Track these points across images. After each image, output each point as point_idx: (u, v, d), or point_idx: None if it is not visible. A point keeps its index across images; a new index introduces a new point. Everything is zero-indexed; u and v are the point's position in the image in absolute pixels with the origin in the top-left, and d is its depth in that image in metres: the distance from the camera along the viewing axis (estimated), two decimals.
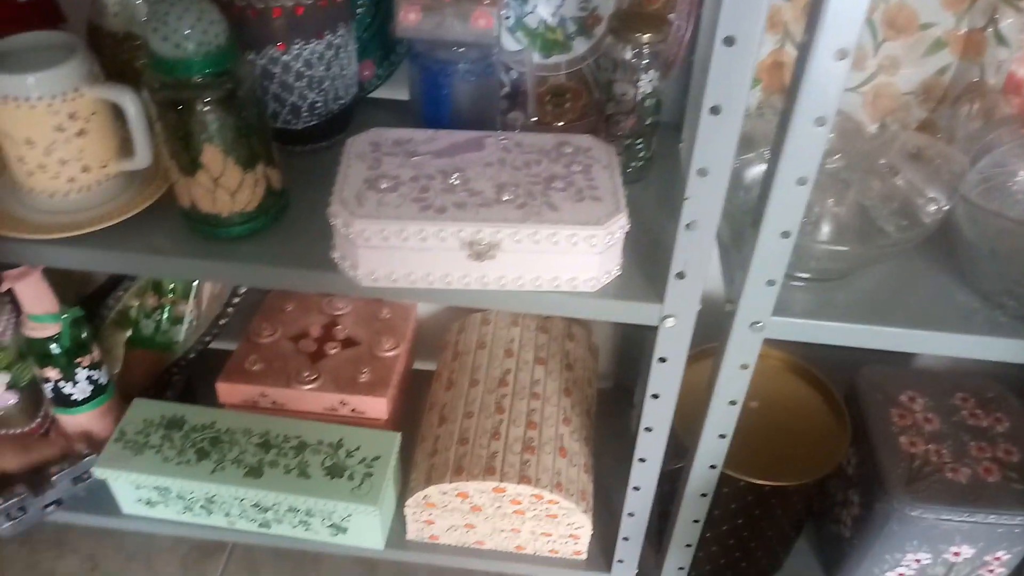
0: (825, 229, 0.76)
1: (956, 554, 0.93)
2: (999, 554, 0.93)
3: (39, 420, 1.07)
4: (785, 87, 0.88)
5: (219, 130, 0.71)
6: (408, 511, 1.01)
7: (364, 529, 1.01)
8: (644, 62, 0.80)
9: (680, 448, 0.90)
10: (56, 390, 0.99)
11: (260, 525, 1.04)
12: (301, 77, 0.82)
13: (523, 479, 0.94)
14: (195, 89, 0.69)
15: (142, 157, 0.79)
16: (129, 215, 0.79)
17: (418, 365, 1.25)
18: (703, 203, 0.66)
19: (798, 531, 1.05)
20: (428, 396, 1.12)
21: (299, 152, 0.90)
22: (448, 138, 0.80)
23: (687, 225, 0.68)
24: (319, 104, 0.85)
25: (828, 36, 0.56)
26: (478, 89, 0.84)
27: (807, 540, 1.09)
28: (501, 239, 0.71)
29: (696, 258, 0.70)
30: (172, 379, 1.15)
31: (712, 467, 0.89)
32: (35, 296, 0.92)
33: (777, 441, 0.96)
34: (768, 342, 0.76)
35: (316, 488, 0.97)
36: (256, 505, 1.00)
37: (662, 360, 0.79)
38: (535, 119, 0.91)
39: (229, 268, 0.78)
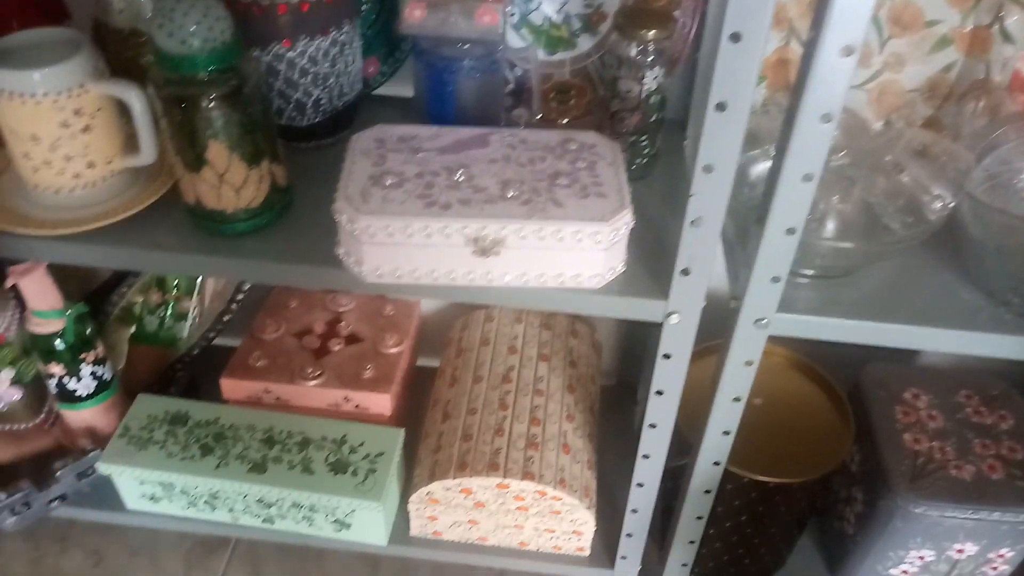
0: (830, 226, 0.76)
1: (960, 551, 0.93)
2: (1002, 551, 0.93)
3: (43, 416, 1.07)
4: (790, 84, 0.88)
5: (224, 126, 0.71)
6: (412, 507, 1.01)
7: (368, 525, 1.01)
8: (649, 59, 0.80)
9: (684, 445, 0.90)
10: (60, 386, 0.99)
11: (264, 521, 1.04)
12: (306, 74, 0.82)
13: (527, 475, 0.94)
14: (200, 85, 0.69)
15: (147, 153, 0.79)
16: (134, 211, 0.79)
17: (421, 362, 1.26)
18: (708, 199, 0.66)
19: (801, 528, 1.05)
20: (431, 392, 1.12)
21: (304, 149, 0.90)
22: (453, 135, 0.80)
23: (692, 221, 0.68)
24: (324, 101, 0.85)
25: (834, 32, 0.56)
26: (483, 86, 0.84)
27: (810, 537, 1.09)
28: (506, 235, 0.71)
29: (701, 255, 0.70)
30: (176, 375, 1.16)
31: (716, 464, 0.89)
32: (40, 292, 0.92)
33: (781, 438, 0.96)
34: (772, 339, 0.76)
35: (320, 484, 0.97)
36: (260, 501, 1.01)
37: (666, 357, 0.79)
38: (539, 116, 0.91)
39: (234, 264, 0.78)
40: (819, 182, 0.64)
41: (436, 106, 0.85)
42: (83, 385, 1.00)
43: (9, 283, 0.90)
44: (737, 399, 0.82)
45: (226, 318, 1.16)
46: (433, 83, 0.84)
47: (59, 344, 0.95)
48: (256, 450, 1.00)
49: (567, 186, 0.74)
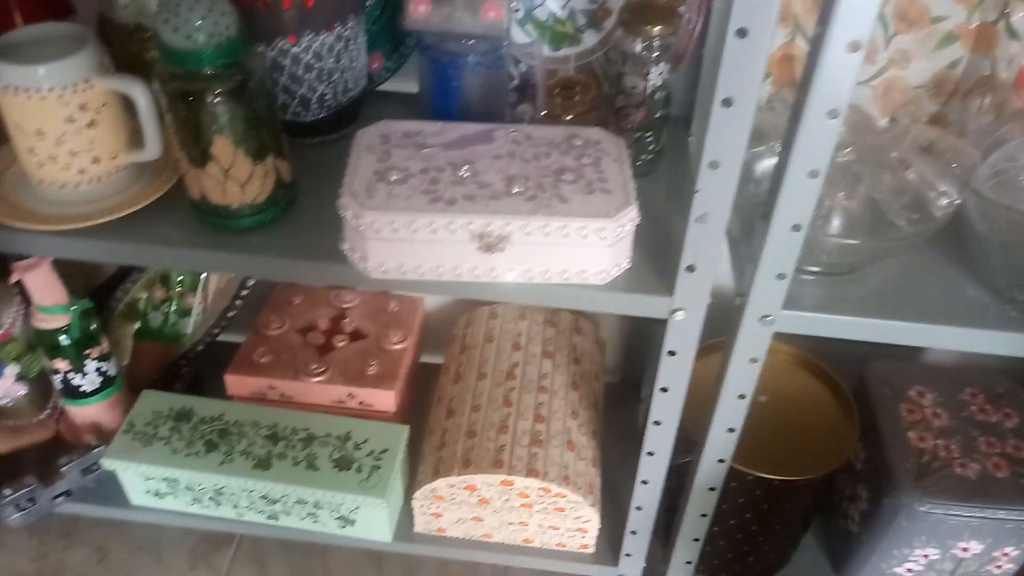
0: (836, 223, 0.76)
1: (964, 550, 0.93)
2: (1007, 550, 0.92)
3: (48, 412, 1.07)
4: (795, 80, 0.88)
5: (229, 122, 0.71)
6: (416, 504, 1.01)
7: (372, 522, 1.01)
8: (654, 55, 0.80)
9: (688, 442, 0.90)
10: (65, 381, 0.99)
11: (268, 517, 1.04)
12: (311, 69, 0.82)
13: (531, 472, 0.94)
14: (206, 81, 0.69)
15: (152, 148, 0.79)
16: (139, 206, 0.79)
17: (425, 358, 1.26)
18: (714, 195, 0.66)
19: (806, 526, 1.05)
20: (435, 389, 1.12)
21: (308, 144, 0.90)
22: (457, 130, 0.80)
23: (698, 218, 0.68)
24: (328, 96, 0.85)
25: (841, 28, 0.56)
26: (487, 82, 0.84)
27: (815, 535, 1.09)
28: (511, 231, 0.71)
29: (706, 251, 0.70)
30: (180, 371, 1.16)
31: (720, 461, 0.88)
32: (45, 287, 0.92)
33: (785, 436, 0.96)
34: (777, 336, 0.75)
35: (324, 480, 0.97)
36: (264, 497, 1.01)
37: (671, 353, 0.79)
38: (544, 112, 0.91)
39: (239, 260, 0.78)
40: (824, 178, 0.63)
41: (440, 102, 0.85)
42: (88, 381, 1.00)
43: (14, 279, 0.90)
44: (742, 396, 0.81)
45: (230, 314, 1.16)
46: (437, 79, 0.84)
47: (64, 340, 0.95)
48: (260, 446, 1.00)
49: (572, 182, 0.74)
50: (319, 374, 1.07)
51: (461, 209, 0.70)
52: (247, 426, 1.02)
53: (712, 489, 0.91)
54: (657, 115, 0.84)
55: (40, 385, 1.05)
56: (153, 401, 1.05)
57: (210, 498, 1.03)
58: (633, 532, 0.99)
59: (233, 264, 0.80)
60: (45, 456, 1.06)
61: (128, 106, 0.77)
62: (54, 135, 0.75)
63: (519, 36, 0.91)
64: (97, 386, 1.01)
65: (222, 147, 0.73)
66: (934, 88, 0.89)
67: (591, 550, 1.04)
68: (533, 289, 0.75)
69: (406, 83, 0.97)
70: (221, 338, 1.18)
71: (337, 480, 0.97)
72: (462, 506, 1.00)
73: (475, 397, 1.04)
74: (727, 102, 0.60)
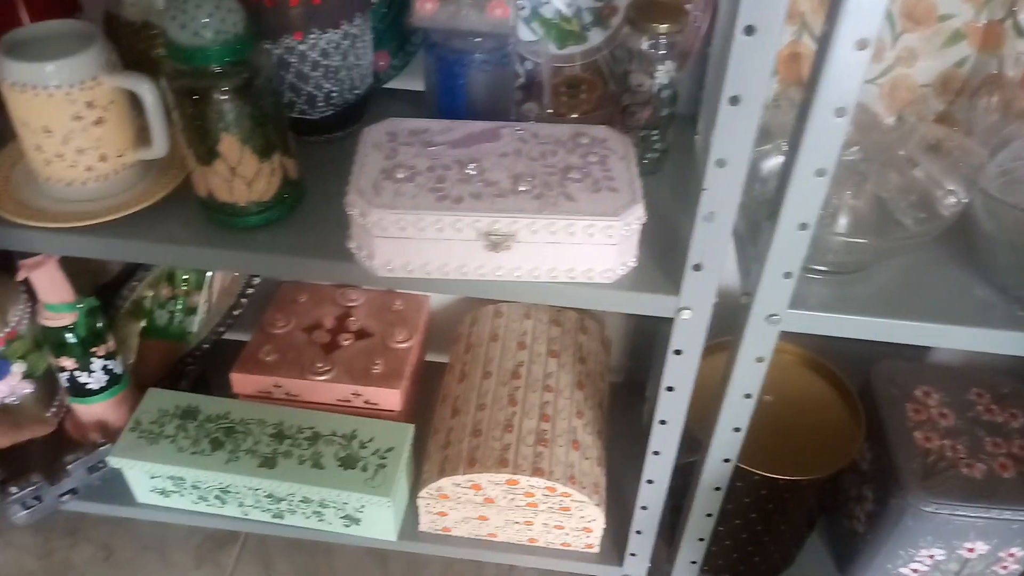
0: (842, 221, 0.76)
1: (970, 550, 0.92)
2: (1013, 550, 0.92)
3: (54, 409, 1.07)
4: (802, 79, 0.88)
5: (236, 119, 0.72)
6: (421, 503, 1.01)
7: (377, 520, 1.01)
8: (661, 53, 0.80)
9: (694, 442, 0.90)
10: (71, 379, 1.00)
11: (274, 515, 1.04)
12: (317, 67, 0.82)
13: (536, 471, 0.94)
14: (213, 78, 0.69)
15: (159, 146, 0.79)
16: (146, 204, 0.80)
17: (431, 357, 1.25)
18: (721, 194, 0.66)
19: (811, 526, 1.05)
20: (441, 388, 1.12)
21: (315, 142, 0.90)
22: (464, 128, 0.80)
23: (704, 216, 0.67)
24: (335, 94, 0.86)
25: (849, 26, 0.56)
26: (494, 79, 0.84)
27: (820, 535, 1.09)
28: (517, 230, 0.71)
29: (713, 250, 0.70)
30: (186, 369, 1.16)
31: (726, 461, 0.88)
32: (51, 285, 0.92)
33: (791, 436, 0.96)
34: (783, 336, 0.75)
35: (330, 479, 0.97)
36: (270, 495, 1.01)
37: (678, 353, 0.79)
38: (550, 110, 0.91)
39: (245, 257, 0.78)
40: (831, 177, 0.63)
41: (447, 100, 0.85)
42: (94, 379, 1.00)
43: (21, 276, 0.90)
44: (748, 395, 0.81)
45: (236, 312, 1.17)
46: (444, 77, 0.84)
47: (70, 338, 0.95)
48: (266, 445, 1.00)
49: (579, 180, 0.74)
50: (324, 373, 1.07)
51: (468, 207, 0.70)
52: (253, 424, 1.02)
53: (717, 489, 0.91)
54: (663, 113, 0.84)
55: (46, 383, 1.05)
56: (159, 399, 1.05)
57: (216, 496, 1.03)
58: (638, 532, 0.99)
59: (240, 262, 0.80)
60: (51, 454, 1.06)
61: (135, 103, 0.77)
62: (61, 132, 0.75)
63: (525, 34, 0.91)
64: (103, 384, 1.01)
65: (229, 145, 0.73)
66: (941, 86, 0.89)
67: (596, 550, 1.04)
68: (539, 288, 0.75)
69: (412, 81, 0.97)
70: (227, 336, 1.18)
71: (342, 479, 0.97)
72: (467, 505, 1.00)
73: (480, 396, 1.04)
74: (734, 100, 0.60)
